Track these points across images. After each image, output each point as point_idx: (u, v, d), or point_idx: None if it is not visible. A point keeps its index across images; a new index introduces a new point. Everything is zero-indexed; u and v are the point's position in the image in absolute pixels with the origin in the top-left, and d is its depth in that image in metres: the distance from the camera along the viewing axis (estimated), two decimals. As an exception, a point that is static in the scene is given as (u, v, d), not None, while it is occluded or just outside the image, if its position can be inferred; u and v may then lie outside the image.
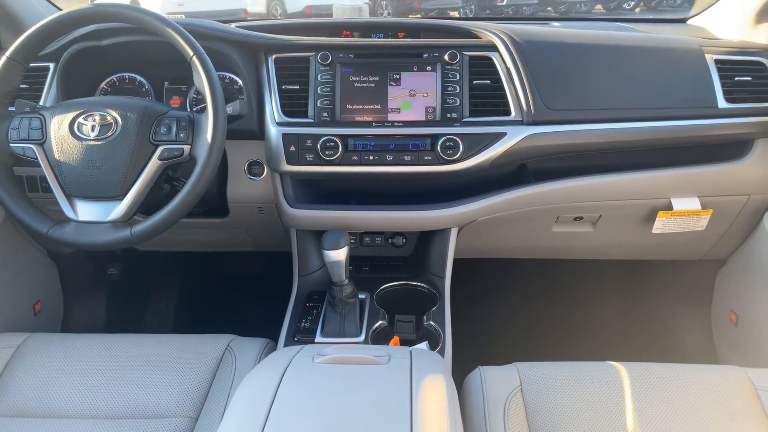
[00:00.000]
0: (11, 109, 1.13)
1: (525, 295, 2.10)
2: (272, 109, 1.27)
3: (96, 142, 1.07)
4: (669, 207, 1.37)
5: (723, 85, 1.29)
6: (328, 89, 1.26)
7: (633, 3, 13.04)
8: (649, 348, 1.89)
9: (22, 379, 1.08)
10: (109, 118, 1.08)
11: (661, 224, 1.40)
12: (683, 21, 1.71)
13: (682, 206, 1.36)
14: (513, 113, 1.25)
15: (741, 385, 1.01)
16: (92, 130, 1.07)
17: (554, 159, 1.32)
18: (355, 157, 1.24)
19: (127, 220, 1.07)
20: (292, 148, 1.24)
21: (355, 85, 1.27)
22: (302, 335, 1.22)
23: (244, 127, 1.27)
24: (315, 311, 1.28)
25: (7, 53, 1.09)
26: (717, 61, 1.31)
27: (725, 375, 1.03)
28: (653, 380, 1.02)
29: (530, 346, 1.90)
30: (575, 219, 1.45)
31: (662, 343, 1.88)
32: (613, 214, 1.42)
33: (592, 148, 1.29)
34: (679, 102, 1.28)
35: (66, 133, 1.08)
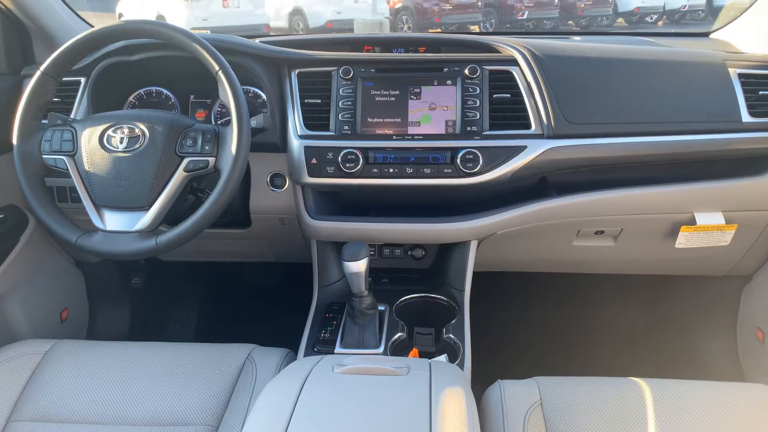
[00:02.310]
0: (44, 121, 1.17)
1: (546, 309, 2.08)
2: (295, 122, 1.29)
3: (124, 154, 1.10)
4: (692, 222, 1.35)
5: (747, 99, 1.28)
6: (350, 103, 1.28)
7: (655, 16, 12.98)
8: (674, 364, 1.85)
9: (49, 384, 1.11)
10: (137, 130, 1.11)
11: (685, 239, 1.38)
12: (706, 35, 1.70)
13: (706, 221, 1.34)
14: (533, 127, 1.25)
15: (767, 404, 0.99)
16: (121, 142, 1.10)
17: (575, 172, 1.32)
18: (375, 170, 1.25)
19: (152, 230, 1.09)
20: (314, 161, 1.26)
21: (376, 99, 1.29)
22: (322, 346, 1.23)
23: (267, 140, 1.30)
24: (335, 322, 1.29)
25: (42, 68, 1.13)
26: (741, 75, 1.29)
27: (751, 393, 1.01)
28: (677, 398, 1.00)
29: (551, 360, 1.88)
30: (596, 233, 1.44)
31: (687, 360, 1.85)
32: (635, 228, 1.41)
33: (613, 162, 1.29)
34: (701, 116, 1.27)
35: (96, 145, 1.11)
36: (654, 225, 1.39)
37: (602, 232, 1.43)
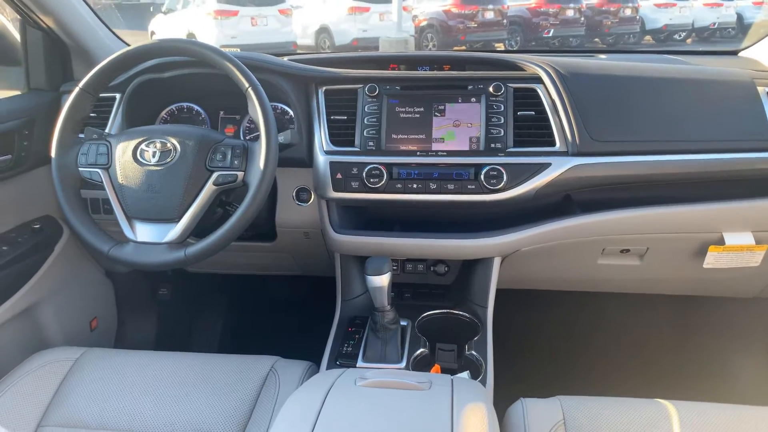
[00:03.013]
0: (81, 135, 1.21)
1: (569, 328, 2.05)
2: (321, 138, 1.31)
3: (156, 168, 1.13)
4: (721, 241, 1.33)
5: None
6: (375, 120, 1.30)
7: (684, 34, 12.83)
8: (701, 387, 1.81)
9: (78, 391, 1.14)
10: (168, 145, 1.14)
11: (713, 259, 1.36)
12: (734, 53, 1.68)
13: (735, 241, 1.32)
14: (558, 144, 1.25)
15: (800, 430, 0.96)
16: (153, 156, 1.14)
17: (600, 190, 1.31)
18: (399, 185, 1.27)
19: (181, 241, 1.12)
20: (339, 176, 1.28)
21: (401, 115, 1.30)
22: (344, 359, 1.24)
23: (293, 155, 1.32)
24: (357, 336, 1.30)
25: (80, 85, 1.17)
26: (770, 94, 1.28)
27: (782, 418, 0.99)
28: (705, 421, 0.98)
29: (574, 379, 1.85)
30: (622, 251, 1.42)
31: (715, 383, 1.80)
32: (662, 247, 1.39)
33: (639, 180, 1.28)
34: (730, 134, 1.26)
35: (129, 158, 1.14)
36: (681, 244, 1.38)
37: (628, 250, 1.42)
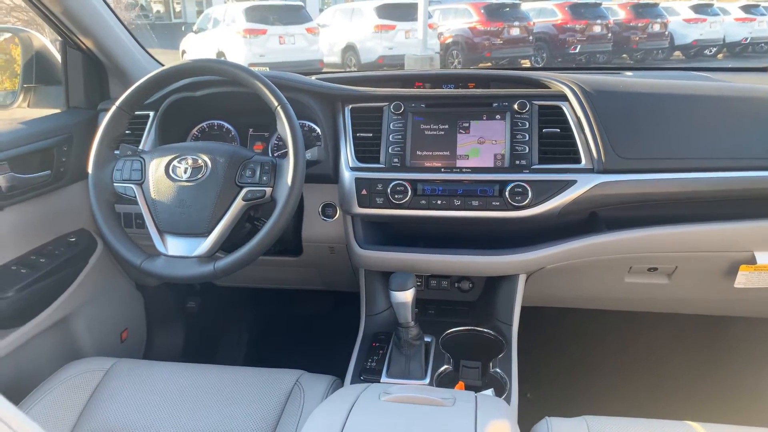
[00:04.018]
0: (116, 152, 1.26)
1: (596, 346, 2.02)
2: (347, 155, 1.34)
3: (187, 183, 1.16)
4: (752, 261, 1.30)
5: None
6: (400, 137, 1.32)
7: (714, 49, 12.63)
8: (731, 409, 1.75)
9: (110, 400, 1.16)
10: (200, 161, 1.18)
11: (744, 278, 1.33)
12: (765, 70, 1.66)
13: (767, 260, 1.29)
14: (583, 161, 1.25)
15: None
16: (185, 172, 1.17)
17: (627, 208, 1.30)
18: (423, 201, 1.28)
19: (211, 255, 1.14)
20: (364, 192, 1.30)
21: (426, 132, 1.32)
22: (368, 375, 1.24)
23: (320, 172, 1.35)
24: (381, 351, 1.30)
25: (117, 103, 1.22)
26: (802, 111, 1.26)
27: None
28: None
29: (601, 398, 1.82)
30: (649, 270, 1.40)
31: (746, 406, 1.75)
32: (691, 266, 1.37)
33: (666, 198, 1.26)
34: (760, 152, 1.24)
35: (162, 174, 1.18)
36: (711, 263, 1.35)
37: (656, 269, 1.40)
